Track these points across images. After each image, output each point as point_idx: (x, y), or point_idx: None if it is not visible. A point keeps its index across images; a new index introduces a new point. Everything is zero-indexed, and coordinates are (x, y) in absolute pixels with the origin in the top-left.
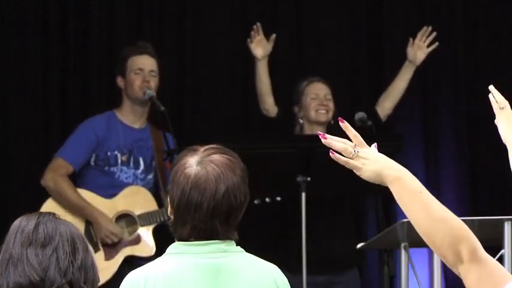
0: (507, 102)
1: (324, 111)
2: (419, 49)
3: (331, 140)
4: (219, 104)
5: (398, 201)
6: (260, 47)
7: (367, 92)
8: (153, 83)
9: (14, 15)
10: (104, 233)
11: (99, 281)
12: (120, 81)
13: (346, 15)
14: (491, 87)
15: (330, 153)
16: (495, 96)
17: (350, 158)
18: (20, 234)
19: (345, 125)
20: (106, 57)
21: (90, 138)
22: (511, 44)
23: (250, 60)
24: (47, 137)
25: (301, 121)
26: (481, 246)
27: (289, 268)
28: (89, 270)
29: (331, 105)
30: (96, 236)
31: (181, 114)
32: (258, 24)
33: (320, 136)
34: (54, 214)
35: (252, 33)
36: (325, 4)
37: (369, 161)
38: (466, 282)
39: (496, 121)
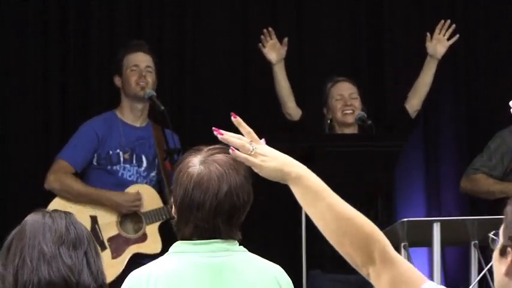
0: None
1: (350, 111)
2: (439, 43)
3: (228, 136)
4: (219, 104)
5: (300, 200)
6: (274, 51)
7: (367, 92)
8: (150, 78)
9: (14, 15)
10: (126, 207)
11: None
12: (117, 80)
13: (346, 15)
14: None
15: (230, 150)
16: None
17: (248, 155)
18: (49, 232)
19: (238, 121)
20: (106, 57)
21: (91, 138)
22: (511, 44)
23: (250, 60)
24: (47, 137)
25: (329, 122)
26: (391, 246)
27: (322, 267)
28: (104, 274)
29: (356, 104)
30: (103, 235)
31: (181, 114)
32: (270, 28)
33: (216, 132)
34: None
35: (263, 37)
36: (325, 4)
37: (268, 158)
38: (377, 285)
39: None
